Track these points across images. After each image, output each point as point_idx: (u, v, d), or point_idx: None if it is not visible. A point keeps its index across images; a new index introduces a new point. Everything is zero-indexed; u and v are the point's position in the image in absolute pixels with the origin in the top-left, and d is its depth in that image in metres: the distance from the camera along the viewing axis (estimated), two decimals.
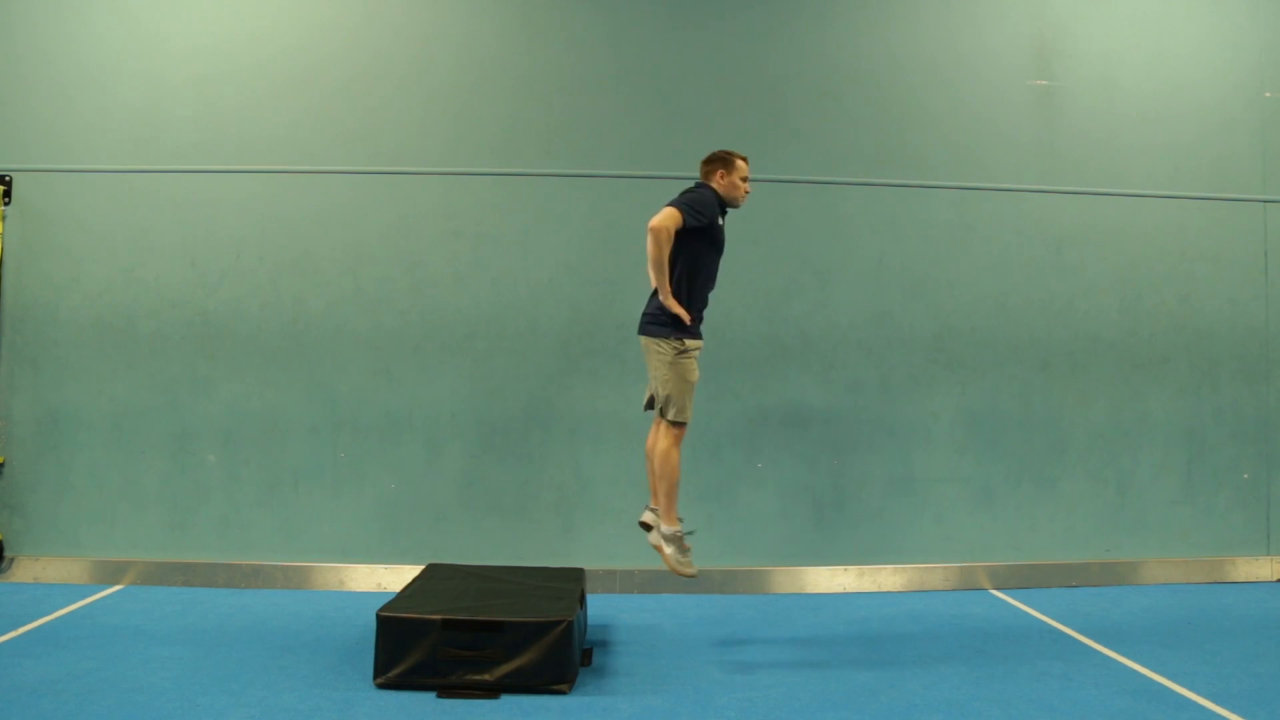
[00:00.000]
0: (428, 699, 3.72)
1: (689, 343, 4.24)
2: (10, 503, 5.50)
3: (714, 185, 4.41)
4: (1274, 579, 5.92)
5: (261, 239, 5.60)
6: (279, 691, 3.76)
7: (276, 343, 5.58)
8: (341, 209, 5.64)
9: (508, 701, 3.72)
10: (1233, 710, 3.70)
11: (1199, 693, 3.90)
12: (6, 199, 5.53)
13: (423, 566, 4.83)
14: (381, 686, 3.82)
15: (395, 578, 5.38)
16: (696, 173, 5.70)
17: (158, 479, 5.52)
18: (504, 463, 5.61)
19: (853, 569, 5.69)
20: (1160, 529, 5.92)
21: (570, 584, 4.45)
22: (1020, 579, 5.73)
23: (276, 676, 3.94)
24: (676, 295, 4.21)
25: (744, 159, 4.45)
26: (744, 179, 4.43)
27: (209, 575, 5.45)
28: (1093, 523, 5.87)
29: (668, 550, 4.23)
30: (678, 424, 4.24)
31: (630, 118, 5.76)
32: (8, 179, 5.54)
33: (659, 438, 4.27)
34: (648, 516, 4.37)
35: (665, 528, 4.24)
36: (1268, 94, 6.09)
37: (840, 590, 5.64)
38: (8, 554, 5.47)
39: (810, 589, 5.63)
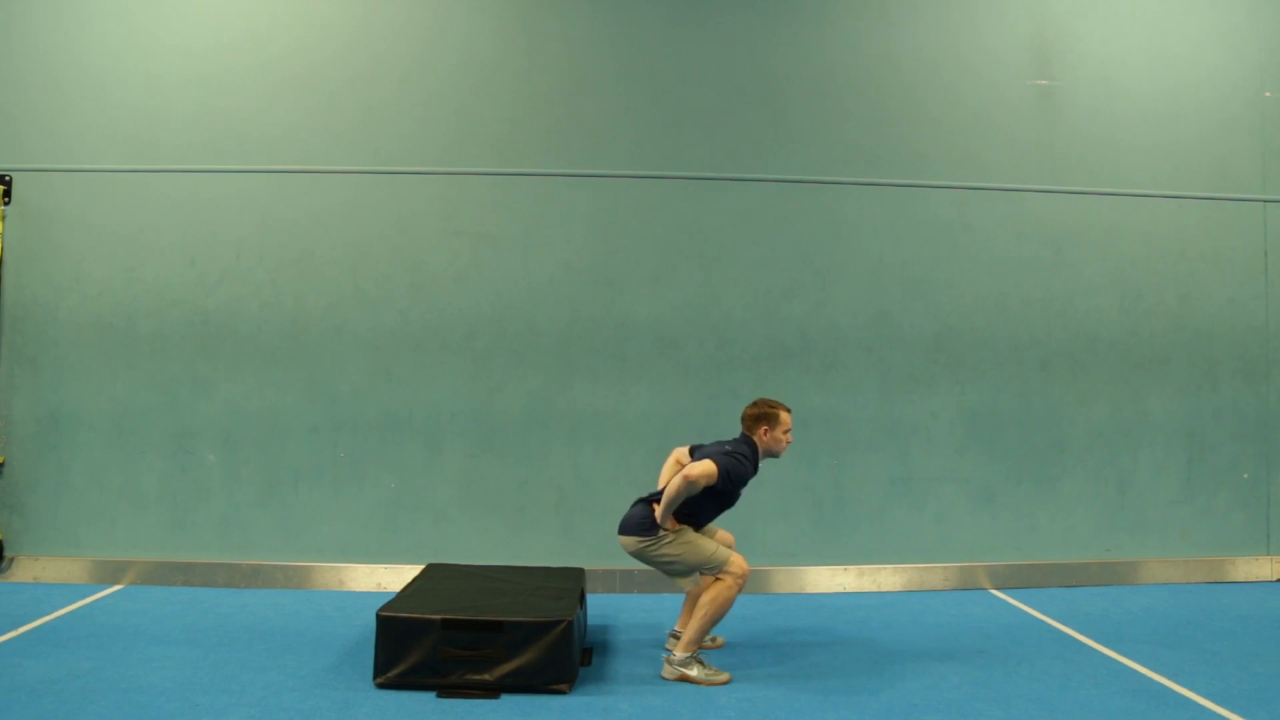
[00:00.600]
0: (428, 699, 3.72)
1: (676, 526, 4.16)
2: (10, 503, 5.50)
3: (756, 439, 4.28)
4: (1274, 579, 5.92)
5: (261, 239, 5.61)
6: (279, 691, 3.76)
7: (276, 343, 5.58)
8: (341, 209, 5.64)
9: (508, 701, 3.72)
10: (1233, 710, 3.70)
11: (1199, 693, 3.90)
12: (6, 199, 5.53)
13: (423, 566, 4.84)
14: (381, 686, 3.82)
15: (395, 578, 5.38)
16: (695, 172, 5.75)
17: (158, 479, 5.53)
18: (504, 463, 5.61)
19: (853, 569, 5.69)
20: (1160, 529, 5.92)
21: (570, 584, 4.45)
22: (1020, 579, 5.73)
23: (276, 676, 3.94)
24: (677, 517, 4.14)
25: (788, 411, 4.31)
26: (786, 432, 4.29)
27: (209, 575, 5.45)
28: (1093, 523, 5.87)
29: (694, 673, 4.04)
30: (732, 576, 4.08)
31: (630, 118, 5.76)
32: (8, 179, 5.54)
33: (719, 581, 4.10)
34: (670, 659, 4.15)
35: (680, 655, 4.07)
36: (1268, 94, 6.09)
37: (840, 590, 5.64)
38: (8, 554, 5.47)
39: (810, 589, 5.63)
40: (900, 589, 5.67)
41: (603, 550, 5.56)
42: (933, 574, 5.71)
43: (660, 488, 4.27)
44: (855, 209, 5.82)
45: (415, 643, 3.82)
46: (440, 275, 5.64)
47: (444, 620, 3.84)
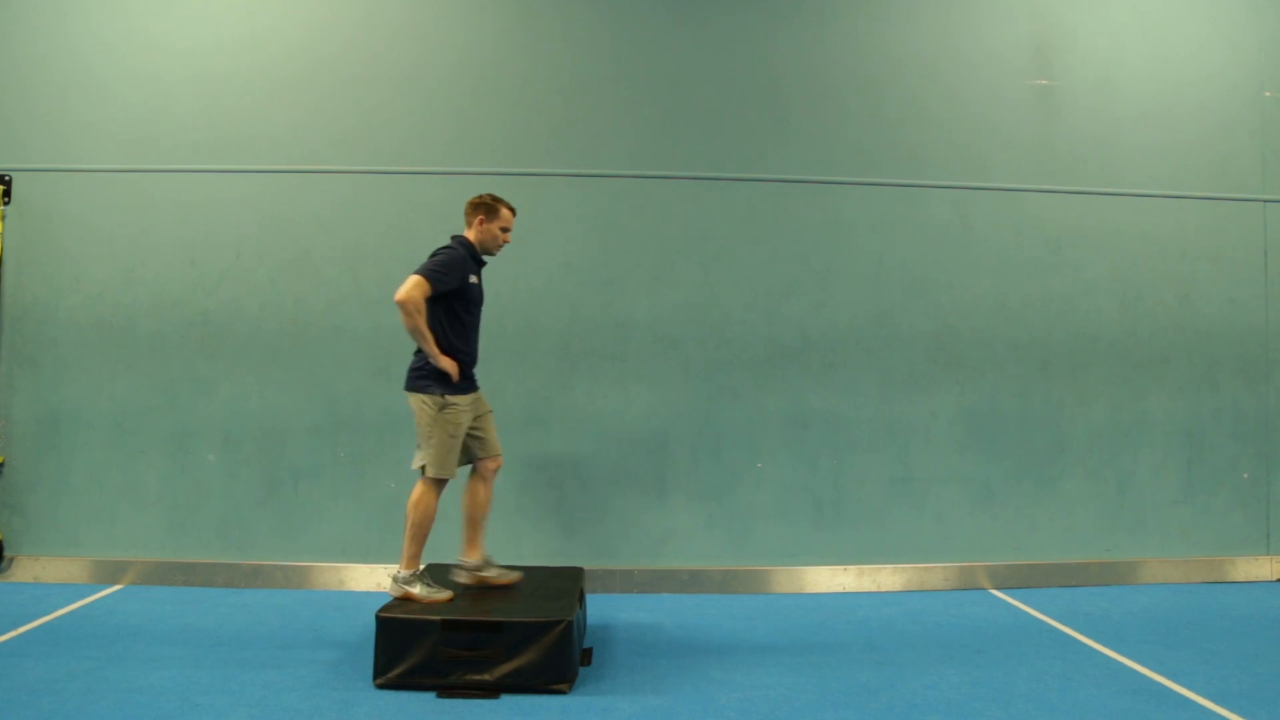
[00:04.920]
0: (428, 699, 3.73)
1: (451, 399, 4.23)
2: (10, 503, 5.50)
3: (469, 233, 4.39)
4: (1274, 579, 5.92)
5: (261, 239, 5.61)
6: (279, 691, 3.76)
7: (276, 342, 5.58)
8: (341, 209, 5.64)
9: (507, 701, 3.72)
10: (1233, 710, 3.70)
11: (1199, 693, 3.90)
12: (6, 199, 5.53)
13: (423, 566, 4.83)
14: (381, 687, 3.82)
15: None
16: (695, 172, 5.76)
17: (158, 479, 5.53)
18: (504, 463, 5.60)
19: (853, 569, 5.69)
20: (1160, 529, 5.92)
21: (570, 584, 4.45)
22: (1020, 579, 5.73)
23: (276, 676, 3.94)
24: (444, 352, 4.21)
25: (510, 210, 4.43)
26: (505, 230, 4.42)
27: (209, 575, 5.45)
28: (1093, 523, 5.87)
29: (418, 591, 4.14)
30: (437, 480, 4.23)
31: (630, 118, 5.76)
32: (8, 179, 5.54)
33: (415, 488, 4.24)
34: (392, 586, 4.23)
35: (404, 572, 4.17)
36: (1268, 93, 6.09)
37: (840, 590, 5.64)
38: (8, 554, 5.47)
39: (810, 589, 5.63)
40: (900, 589, 5.67)
41: (603, 550, 5.57)
42: (933, 574, 5.71)
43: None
44: (855, 209, 5.82)
45: (415, 643, 3.83)
46: None
47: (444, 620, 3.85)
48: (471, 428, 4.36)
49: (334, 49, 5.68)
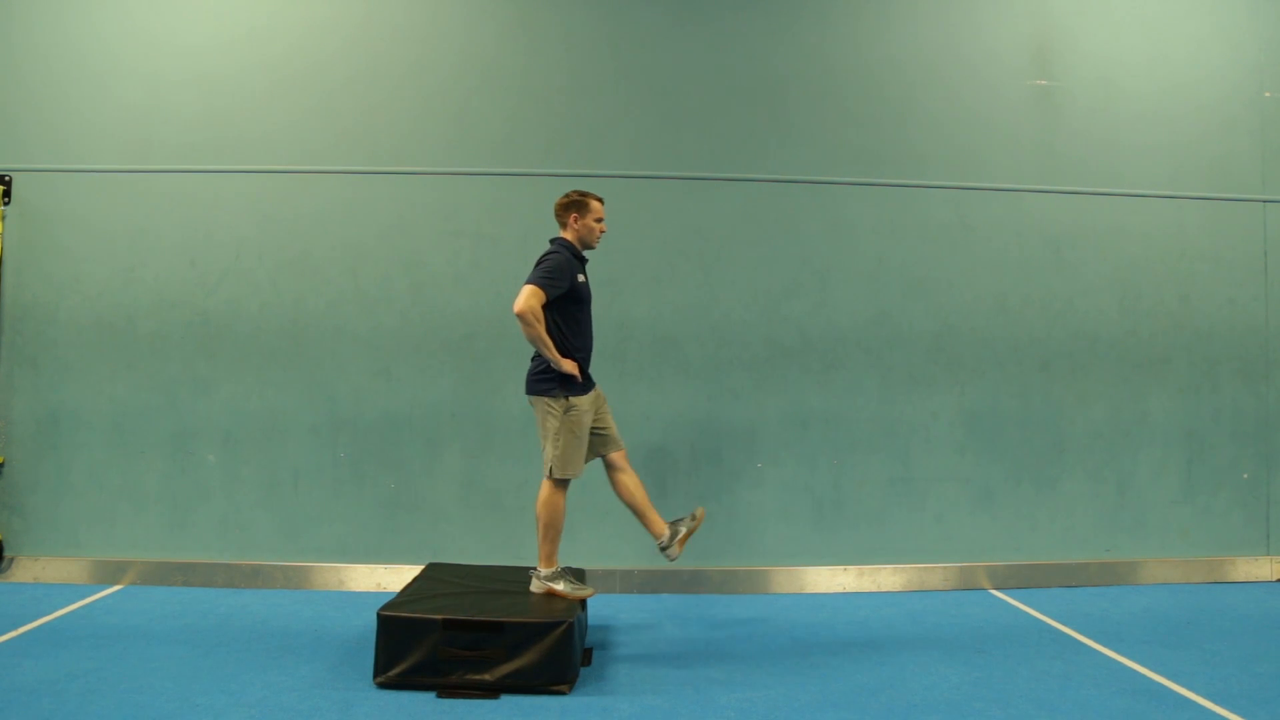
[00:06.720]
0: (428, 699, 3.73)
1: (574, 400, 4.28)
2: (10, 503, 5.50)
3: (567, 234, 4.45)
4: (1274, 579, 5.92)
5: (261, 239, 5.61)
6: (279, 691, 3.76)
7: (276, 343, 5.58)
8: (341, 209, 5.64)
9: (508, 701, 3.72)
10: (1233, 710, 3.70)
11: (1199, 693, 3.90)
12: (6, 199, 5.53)
13: (423, 566, 4.84)
14: (381, 686, 3.82)
15: (395, 578, 5.38)
16: (695, 172, 5.75)
17: (158, 479, 5.53)
18: (504, 463, 5.61)
19: (853, 569, 5.69)
20: (1160, 529, 5.92)
21: None
22: (1020, 579, 5.73)
23: (276, 676, 3.94)
24: (563, 354, 4.25)
25: (599, 200, 4.49)
26: (599, 220, 4.48)
27: (209, 575, 5.45)
28: (1093, 523, 5.87)
29: (561, 587, 4.25)
30: (563, 480, 4.31)
31: (630, 118, 5.76)
32: (8, 179, 5.54)
33: (541, 489, 4.33)
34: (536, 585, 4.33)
35: (545, 570, 4.30)
36: (1267, 94, 6.09)
37: (840, 590, 5.64)
38: (8, 554, 5.47)
39: (810, 589, 5.63)
40: (900, 589, 5.67)
41: (603, 550, 5.57)
42: (933, 574, 5.71)
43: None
44: (855, 209, 5.82)
45: (416, 642, 3.82)
46: (440, 275, 5.64)
47: (445, 620, 3.85)
48: (594, 426, 4.40)
49: (334, 49, 5.68)
